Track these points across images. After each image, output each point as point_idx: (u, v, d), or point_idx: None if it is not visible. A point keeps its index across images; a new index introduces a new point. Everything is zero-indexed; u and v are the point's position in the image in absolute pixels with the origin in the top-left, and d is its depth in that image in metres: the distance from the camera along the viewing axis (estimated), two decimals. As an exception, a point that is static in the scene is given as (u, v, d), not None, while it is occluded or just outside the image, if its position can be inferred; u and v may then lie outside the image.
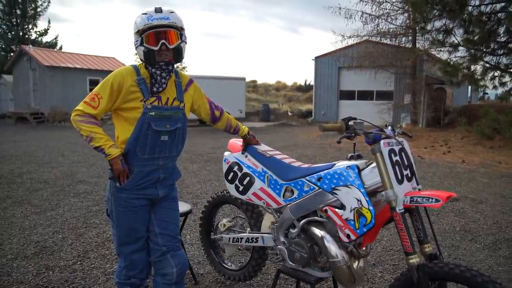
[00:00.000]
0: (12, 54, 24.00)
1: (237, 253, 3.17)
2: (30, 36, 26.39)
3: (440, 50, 15.28)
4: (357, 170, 1.96)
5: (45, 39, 27.20)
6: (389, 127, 2.06)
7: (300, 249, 2.14)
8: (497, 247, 3.80)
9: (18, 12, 25.88)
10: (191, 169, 7.44)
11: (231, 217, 2.87)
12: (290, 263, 2.19)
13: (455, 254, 3.63)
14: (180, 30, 1.91)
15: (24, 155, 8.79)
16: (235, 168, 2.51)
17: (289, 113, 23.56)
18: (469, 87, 19.04)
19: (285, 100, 31.32)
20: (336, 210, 1.98)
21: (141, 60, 1.94)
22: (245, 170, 2.46)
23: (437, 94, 18.39)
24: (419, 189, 1.94)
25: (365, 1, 16.14)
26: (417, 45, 15.98)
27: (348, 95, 21.00)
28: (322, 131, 1.94)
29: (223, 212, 3.34)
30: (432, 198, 1.75)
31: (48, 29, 27.54)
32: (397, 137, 1.96)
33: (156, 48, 1.84)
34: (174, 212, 2.13)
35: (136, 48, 1.90)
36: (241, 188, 2.46)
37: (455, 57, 14.17)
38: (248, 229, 2.66)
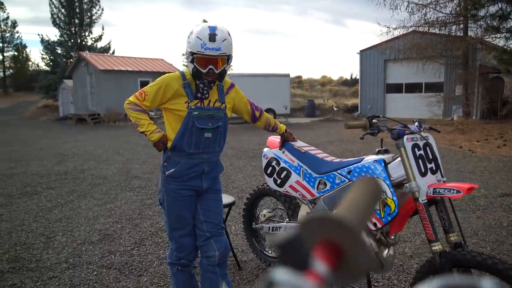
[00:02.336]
0: (71, 60, 25.87)
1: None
2: (87, 43, 28.26)
3: (496, 37, 14.48)
4: (383, 164, 2.11)
5: (99, 44, 29.03)
6: (416, 123, 2.18)
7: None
8: (547, 245, 3.71)
9: (76, 21, 27.83)
10: (237, 164, 7.76)
11: (271, 208, 3.10)
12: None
13: (499, 249, 3.59)
14: (228, 56, 2.14)
15: (85, 154, 9.60)
16: (273, 163, 2.73)
17: (335, 108, 23.34)
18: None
19: (331, 95, 30.98)
20: (364, 200, 2.13)
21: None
22: (282, 164, 2.67)
23: (493, 84, 17.39)
24: (444, 181, 2.04)
25: (412, -10, 15.63)
26: (469, 33, 15.23)
27: (396, 88, 20.43)
28: (346, 129, 2.10)
29: (264, 203, 3.57)
30: (453, 190, 1.86)
31: (102, 35, 29.36)
32: (422, 133, 2.08)
33: (204, 71, 2.10)
34: (217, 202, 2.39)
35: (186, 60, 2.18)
36: (279, 181, 2.68)
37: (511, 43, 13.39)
38: (287, 219, 2.87)
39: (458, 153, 9.23)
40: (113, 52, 28.65)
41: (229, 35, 2.15)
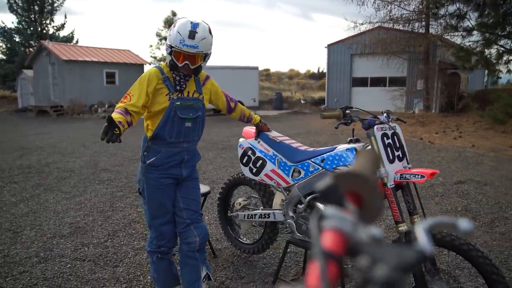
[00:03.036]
0: (31, 49, 24.67)
1: (251, 230, 3.49)
2: (48, 31, 27.01)
3: (454, 35, 15.19)
4: (355, 152, 2.24)
5: (62, 33, 27.82)
6: (385, 114, 2.32)
7: (306, 222, 2.44)
8: (494, 225, 4.03)
9: (36, 8, 26.50)
10: (207, 156, 7.78)
11: (246, 197, 3.19)
12: (298, 234, 2.50)
13: (454, 231, 3.87)
14: (206, 54, 2.19)
15: (48, 147, 9.28)
16: (249, 153, 2.81)
17: (302, 101, 23.69)
18: (486, 71, 18.84)
19: (298, 88, 31.39)
20: (337, 187, 2.26)
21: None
22: (258, 154, 2.76)
23: (451, 80, 18.26)
24: (409, 168, 2.20)
25: (378, -13, 16.08)
26: (430, 31, 15.89)
27: (361, 82, 21.02)
28: (322, 119, 2.22)
29: (238, 192, 3.64)
30: (418, 175, 2.02)
31: (64, 23, 28.14)
32: (390, 123, 2.22)
33: (180, 65, 2.16)
34: (196, 190, 2.45)
35: (166, 51, 2.22)
36: (254, 170, 2.77)
37: (469, 41, 14.10)
38: (261, 207, 2.97)
39: (418, 144, 9.70)
40: (77, 42, 27.57)
41: (210, 33, 2.20)
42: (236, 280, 2.87)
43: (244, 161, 2.83)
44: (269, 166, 2.67)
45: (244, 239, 3.24)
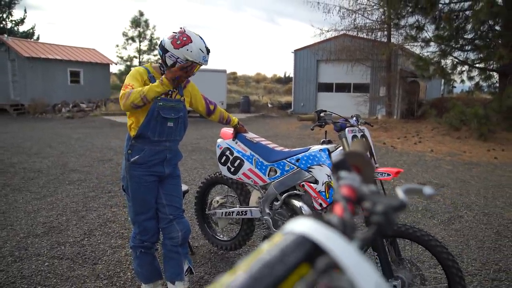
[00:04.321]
0: (-13, 44, 23.48)
1: (227, 227, 3.64)
2: (6, 26, 25.82)
3: (413, 45, 16.03)
4: (327, 153, 2.45)
5: (22, 28, 26.70)
6: (354, 118, 2.55)
7: (282, 218, 2.63)
8: (450, 222, 4.40)
9: (-7, 1, 25.29)
10: (178, 158, 7.82)
11: (223, 195, 3.34)
12: (274, 230, 2.68)
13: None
14: None
15: (12, 146, 8.97)
16: (227, 153, 2.96)
17: (269, 105, 24.05)
18: (442, 80, 19.97)
19: (265, 92, 31.78)
20: (311, 184, 2.47)
21: (163, 63, 2.34)
22: (235, 154, 2.92)
23: (411, 87, 19.20)
24: (377, 167, 2.43)
25: (343, -4, 16.73)
26: (392, 40, 16.69)
27: (326, 87, 21.64)
28: (299, 121, 2.41)
29: (215, 191, 3.78)
30: (385, 173, 2.26)
31: (24, 18, 26.97)
32: (359, 126, 2.46)
33: (191, 75, 2.29)
34: (178, 187, 2.58)
35: (169, 58, 2.27)
36: (232, 169, 2.92)
37: (427, 52, 14.94)
38: (238, 204, 3.12)
39: (382, 148, 10.20)
40: (38, 38, 26.55)
41: None
42: (214, 275, 3.00)
43: (222, 160, 2.98)
44: (247, 165, 2.84)
45: (221, 236, 3.38)
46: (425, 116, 17.54)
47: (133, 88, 2.20)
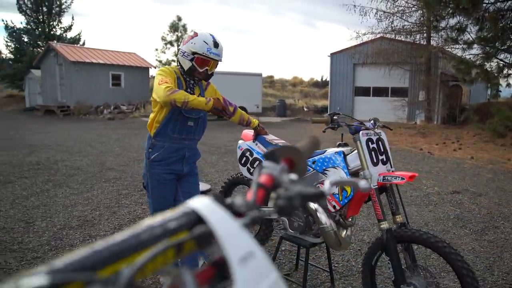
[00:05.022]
0: (39, 49, 25.09)
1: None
2: (56, 32, 27.45)
3: (455, 48, 15.43)
4: (343, 155, 2.46)
5: (69, 34, 28.26)
6: (372, 121, 2.55)
7: (298, 219, 2.66)
8: (484, 233, 4.22)
9: (44, 9, 26.97)
10: (210, 160, 8.01)
11: (243, 195, 3.41)
12: (290, 230, 2.71)
13: (444, 237, 4.06)
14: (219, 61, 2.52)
15: (56, 145, 9.54)
16: (247, 154, 3.03)
17: (305, 109, 23.94)
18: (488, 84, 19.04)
19: (301, 95, 31.66)
20: (326, 187, 2.48)
21: (180, 65, 2.50)
22: (255, 155, 2.98)
23: (452, 92, 18.46)
24: (392, 171, 2.42)
25: (380, -1, 16.38)
26: (432, 42, 16.15)
27: (364, 91, 21.24)
28: (312, 123, 2.45)
29: (237, 192, 3.86)
30: (398, 177, 2.24)
31: (72, 25, 28.54)
32: (375, 129, 2.45)
33: (200, 70, 2.46)
34: (196, 185, 2.69)
35: (182, 56, 2.46)
36: (251, 170, 2.99)
37: (469, 54, 14.33)
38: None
39: (418, 154, 9.89)
40: (83, 44, 27.99)
41: None
42: (233, 272, 3.08)
43: (242, 161, 3.06)
44: (266, 167, 2.90)
45: (241, 235, 3.46)
46: (468, 122, 16.80)
47: (167, 80, 2.33)
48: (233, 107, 2.89)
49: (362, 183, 0.75)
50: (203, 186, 3.28)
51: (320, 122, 2.43)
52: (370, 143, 2.36)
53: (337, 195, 2.41)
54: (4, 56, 30.64)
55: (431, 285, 2.20)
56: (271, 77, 41.47)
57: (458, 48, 15.16)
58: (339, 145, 2.58)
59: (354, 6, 17.20)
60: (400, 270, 2.22)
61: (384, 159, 2.42)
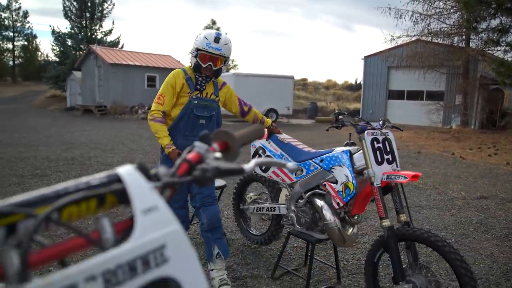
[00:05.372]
0: (81, 53, 26.40)
1: (261, 223, 3.80)
2: (97, 36, 28.78)
3: (496, 50, 14.81)
4: (349, 154, 2.51)
5: (109, 38, 29.54)
6: (381, 122, 2.58)
7: (305, 215, 2.72)
8: (506, 239, 4.08)
9: (87, 14, 28.37)
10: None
11: (257, 192, 3.51)
12: (298, 226, 2.78)
13: (462, 241, 3.98)
14: (226, 58, 2.62)
15: (91, 142, 10.04)
16: (260, 152, 3.13)
17: (336, 111, 23.69)
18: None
19: (334, 98, 31.36)
20: (332, 184, 2.54)
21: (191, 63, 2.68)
22: (267, 153, 3.07)
23: (493, 95, 17.68)
24: (398, 170, 2.43)
25: (417, 0, 15.98)
26: (471, 45, 15.56)
27: (398, 94, 20.78)
28: (317, 122, 2.50)
29: (252, 188, 3.97)
30: (402, 176, 2.26)
31: (112, 29, 29.85)
32: (382, 130, 2.48)
33: (204, 66, 2.59)
34: None
35: (190, 54, 2.66)
36: (263, 167, 3.08)
37: (510, 57, 13.71)
38: (269, 201, 3.27)
39: (449, 159, 9.60)
40: (122, 47, 29.18)
41: (231, 42, 2.66)
42: (242, 266, 3.18)
43: (255, 156, 3.16)
44: (277, 164, 2.98)
45: (254, 230, 3.55)
46: (508, 127, 16.03)
47: (164, 101, 2.55)
48: (247, 107, 2.99)
49: (290, 164, 0.83)
50: (218, 182, 3.41)
51: (325, 121, 2.53)
52: (375, 142, 2.39)
53: (341, 192, 2.45)
54: (50, 59, 32.48)
55: (431, 284, 2.20)
56: (305, 79, 41.36)
57: (499, 51, 14.56)
58: (346, 144, 2.62)
59: (389, 8, 16.90)
60: (399, 267, 2.24)
61: (390, 159, 2.44)
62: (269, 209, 3.13)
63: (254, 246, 3.55)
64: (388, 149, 2.45)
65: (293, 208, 2.82)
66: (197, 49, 2.58)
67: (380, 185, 2.34)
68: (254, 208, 3.30)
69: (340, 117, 2.46)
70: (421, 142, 12.92)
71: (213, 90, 2.74)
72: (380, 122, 2.57)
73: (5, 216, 0.48)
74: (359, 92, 28.13)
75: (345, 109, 24.51)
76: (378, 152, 2.38)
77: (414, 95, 19.88)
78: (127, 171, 0.59)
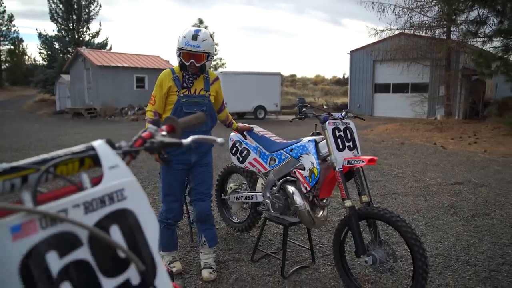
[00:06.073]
0: (69, 55, 26.37)
1: (242, 212, 4.04)
2: (84, 38, 28.74)
3: (475, 41, 15.19)
4: (314, 143, 2.76)
5: (97, 40, 29.52)
6: (343, 113, 2.83)
7: (278, 201, 2.97)
8: (472, 219, 4.37)
9: (74, 17, 28.31)
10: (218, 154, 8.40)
11: (237, 183, 3.76)
12: (272, 211, 3.03)
13: (432, 222, 4.26)
14: (208, 53, 2.73)
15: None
16: (237, 144, 3.37)
17: (324, 107, 24.02)
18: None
19: (322, 94, 31.69)
20: (300, 171, 2.79)
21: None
22: (244, 145, 3.31)
23: (475, 86, 18.12)
24: (357, 156, 2.69)
25: (399, -6, 16.31)
26: (452, 37, 15.94)
27: (384, 88, 21.15)
28: (281, 114, 2.75)
29: (232, 179, 4.18)
30: (360, 161, 2.52)
31: (99, 31, 29.84)
32: (344, 120, 2.73)
33: (187, 63, 2.71)
34: (206, 173, 2.94)
35: (176, 54, 2.78)
36: (240, 158, 3.33)
37: (489, 47, 14.09)
38: (247, 190, 3.52)
39: (430, 148, 9.94)
40: (110, 48, 29.16)
41: (211, 37, 2.77)
42: (225, 251, 3.43)
43: (233, 151, 3.40)
44: (252, 155, 3.23)
45: (235, 219, 3.80)
46: (489, 116, 16.46)
47: (155, 102, 2.76)
48: (224, 107, 3.17)
49: (218, 140, 1.07)
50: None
51: (291, 114, 2.73)
52: (336, 131, 2.65)
53: (308, 178, 2.71)
54: (37, 62, 32.32)
55: (388, 255, 2.47)
56: (293, 75, 41.64)
57: (479, 42, 14.94)
58: (312, 134, 2.87)
59: (372, 2, 17.22)
60: (361, 242, 2.50)
61: (351, 146, 2.70)
62: (248, 197, 3.38)
63: (237, 234, 3.80)
64: (350, 137, 2.71)
65: (268, 195, 3.07)
66: (179, 49, 2.69)
67: (341, 169, 2.60)
68: (234, 197, 3.54)
69: (303, 109, 2.70)
70: (406, 133, 13.27)
71: (203, 85, 2.83)
72: (343, 113, 2.82)
73: (21, 170, 0.72)
74: (346, 86, 28.49)
75: (333, 104, 24.88)
76: (339, 140, 2.64)
77: (400, 88, 20.26)
78: (98, 143, 0.83)
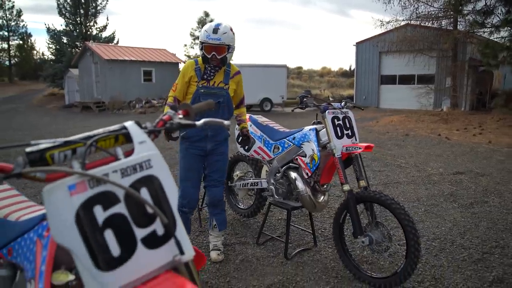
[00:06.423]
0: (76, 49, 26.67)
1: (247, 198, 4.23)
2: (92, 33, 29.01)
3: (481, 32, 15.12)
4: (315, 131, 2.94)
5: (104, 34, 29.78)
6: (343, 102, 3.00)
7: (281, 187, 3.16)
8: (470, 206, 4.51)
9: (82, 11, 28.56)
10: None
11: (243, 170, 3.95)
12: (276, 197, 3.22)
13: (431, 210, 4.42)
14: (228, 46, 2.85)
15: (92, 137, 10.45)
16: (243, 133, 3.55)
17: (330, 99, 24.09)
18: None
19: (328, 86, 31.70)
20: (302, 158, 2.97)
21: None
22: (249, 134, 3.50)
23: (482, 77, 18.03)
24: (356, 143, 2.86)
25: (405, -15, 16.22)
26: (458, 27, 15.87)
27: (390, 79, 21.10)
28: (285, 105, 2.92)
29: (239, 167, 4.35)
30: (357, 147, 2.69)
31: (106, 25, 30.10)
32: (343, 109, 2.90)
33: (209, 56, 2.84)
34: (219, 162, 3.08)
35: (199, 47, 2.93)
36: (246, 147, 3.52)
37: (496, 38, 14.04)
38: (253, 177, 3.71)
39: (434, 140, 10.04)
40: (117, 42, 29.42)
41: (232, 30, 2.88)
42: (232, 235, 3.63)
43: (239, 140, 3.58)
44: (257, 144, 3.41)
45: (241, 205, 4.00)
46: (495, 107, 16.41)
47: (176, 88, 2.92)
48: (243, 105, 3.23)
49: (226, 122, 1.26)
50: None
51: (292, 103, 2.90)
52: (336, 120, 2.82)
53: (309, 164, 2.89)
54: (46, 57, 32.70)
55: (384, 236, 2.65)
56: (300, 68, 41.63)
57: (486, 32, 14.87)
58: (313, 123, 3.05)
59: (378, -7, 17.17)
60: (358, 224, 2.68)
61: (350, 134, 2.87)
62: (253, 184, 3.57)
63: (243, 219, 4.00)
64: (348, 126, 2.88)
65: (272, 181, 3.26)
66: (201, 43, 2.83)
67: (340, 156, 2.77)
68: (240, 184, 3.74)
69: (304, 99, 2.87)
70: (411, 125, 13.34)
71: (223, 78, 2.91)
72: (342, 103, 2.99)
73: (72, 144, 0.92)
74: (353, 78, 28.45)
75: (339, 96, 24.90)
76: (338, 128, 2.81)
77: (406, 80, 20.20)
78: (129, 124, 1.03)
